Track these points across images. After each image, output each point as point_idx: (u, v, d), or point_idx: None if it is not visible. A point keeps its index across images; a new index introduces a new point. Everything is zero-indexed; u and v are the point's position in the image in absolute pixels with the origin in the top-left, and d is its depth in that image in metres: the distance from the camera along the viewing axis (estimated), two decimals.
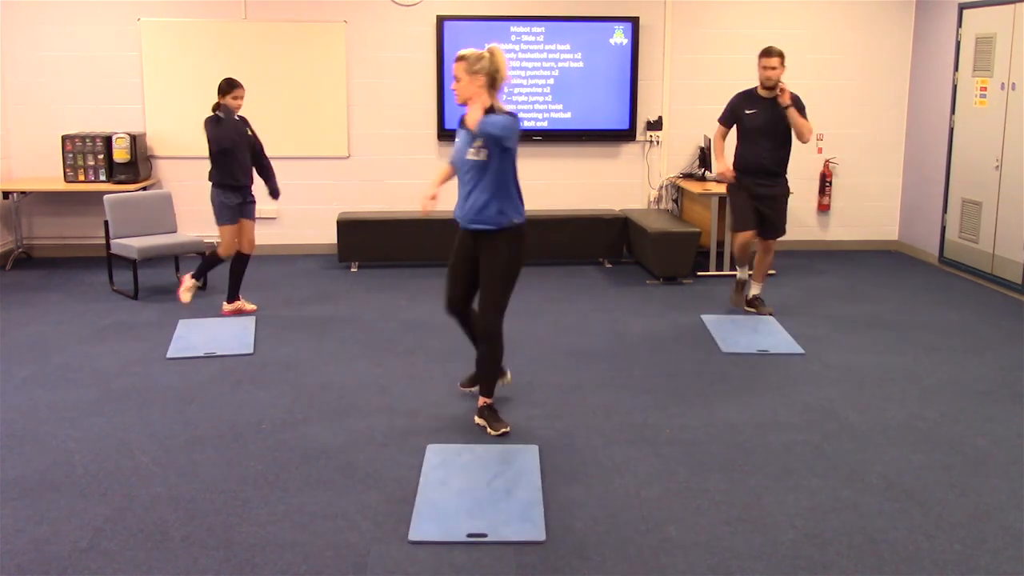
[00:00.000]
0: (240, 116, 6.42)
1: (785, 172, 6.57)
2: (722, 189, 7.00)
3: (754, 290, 6.77)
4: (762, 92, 6.44)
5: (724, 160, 6.66)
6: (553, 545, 3.47)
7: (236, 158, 6.34)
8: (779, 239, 6.72)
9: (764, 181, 6.50)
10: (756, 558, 3.39)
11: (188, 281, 6.61)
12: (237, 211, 6.45)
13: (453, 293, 4.64)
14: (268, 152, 6.62)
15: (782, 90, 6.31)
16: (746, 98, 6.51)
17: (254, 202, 6.60)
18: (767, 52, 6.33)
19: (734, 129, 6.61)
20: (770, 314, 6.63)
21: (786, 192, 6.63)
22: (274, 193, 6.61)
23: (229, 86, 6.29)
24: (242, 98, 6.32)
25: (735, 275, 6.93)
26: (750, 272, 6.82)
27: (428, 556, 3.40)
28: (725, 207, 6.91)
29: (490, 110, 4.31)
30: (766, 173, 6.48)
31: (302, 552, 3.42)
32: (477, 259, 4.50)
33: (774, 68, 6.31)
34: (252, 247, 6.66)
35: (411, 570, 3.30)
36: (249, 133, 6.49)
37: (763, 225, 6.59)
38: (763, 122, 6.39)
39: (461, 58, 4.31)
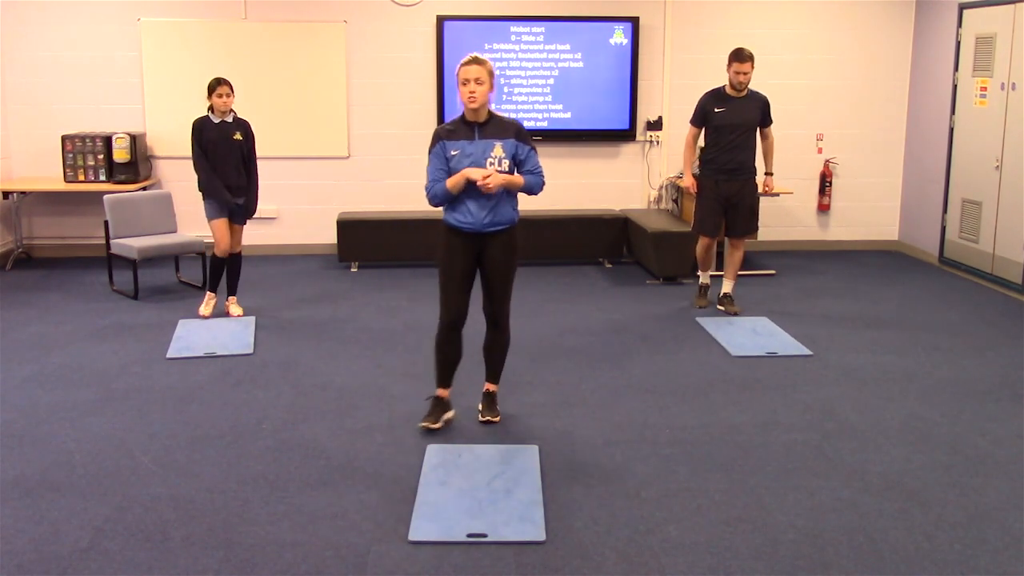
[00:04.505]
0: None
1: (754, 170, 6.61)
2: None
3: (725, 287, 6.82)
4: (730, 91, 6.48)
5: (691, 170, 6.75)
6: (553, 545, 3.47)
7: None
8: (752, 238, 6.76)
9: (732, 179, 6.53)
10: (756, 558, 3.39)
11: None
12: None
13: (461, 305, 4.53)
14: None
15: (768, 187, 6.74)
16: (715, 97, 6.53)
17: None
18: (739, 57, 6.34)
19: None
20: (736, 313, 6.64)
21: (754, 190, 6.66)
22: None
23: None
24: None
25: (699, 278, 7.00)
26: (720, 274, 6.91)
27: (428, 556, 3.39)
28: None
29: (492, 116, 4.37)
30: (734, 171, 6.51)
31: (302, 552, 3.42)
32: (478, 265, 4.51)
33: (746, 73, 6.36)
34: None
35: (411, 570, 3.30)
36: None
37: (731, 223, 6.64)
38: (731, 120, 6.44)
39: (485, 62, 4.22)
